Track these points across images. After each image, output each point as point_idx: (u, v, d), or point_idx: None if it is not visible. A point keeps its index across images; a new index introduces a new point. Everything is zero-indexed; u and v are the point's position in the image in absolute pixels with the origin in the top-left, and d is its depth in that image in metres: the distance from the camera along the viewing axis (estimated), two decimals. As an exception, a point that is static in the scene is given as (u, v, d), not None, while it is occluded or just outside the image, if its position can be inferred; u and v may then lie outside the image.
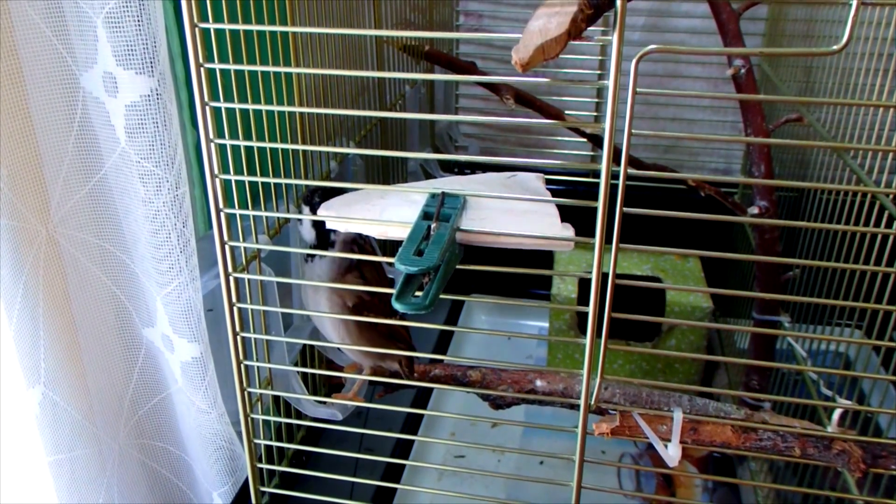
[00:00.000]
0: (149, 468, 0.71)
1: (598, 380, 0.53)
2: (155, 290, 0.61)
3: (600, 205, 0.48)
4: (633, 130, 0.47)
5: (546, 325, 1.38)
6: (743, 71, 0.91)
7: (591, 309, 0.51)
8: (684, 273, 1.22)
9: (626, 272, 1.23)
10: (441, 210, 0.49)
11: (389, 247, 1.01)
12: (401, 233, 0.52)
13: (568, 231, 0.51)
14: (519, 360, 1.32)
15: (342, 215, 0.54)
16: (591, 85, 1.01)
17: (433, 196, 0.51)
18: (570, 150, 1.38)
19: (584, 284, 1.21)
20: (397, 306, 0.45)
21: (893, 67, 0.76)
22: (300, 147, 0.61)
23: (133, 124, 0.55)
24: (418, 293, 0.47)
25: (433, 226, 0.48)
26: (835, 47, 0.42)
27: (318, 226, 0.61)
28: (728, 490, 1.03)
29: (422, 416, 1.12)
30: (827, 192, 0.90)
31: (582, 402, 0.54)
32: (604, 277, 0.51)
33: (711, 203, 0.99)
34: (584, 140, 1.31)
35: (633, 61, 0.45)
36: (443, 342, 1.30)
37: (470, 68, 1.04)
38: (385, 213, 0.53)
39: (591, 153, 1.34)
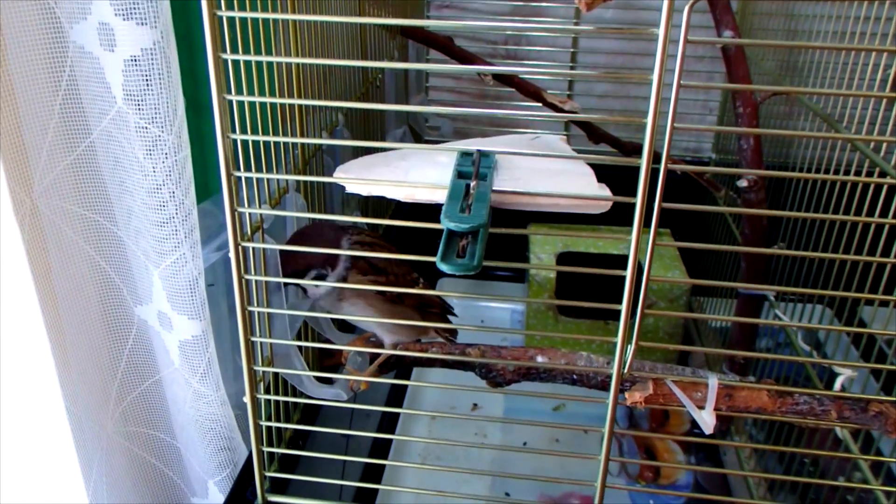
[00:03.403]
0: (138, 458, 0.66)
1: (632, 346, 0.51)
2: (152, 264, 0.57)
3: (644, 156, 0.46)
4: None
5: (519, 307, 1.37)
6: (732, 44, 0.91)
7: (628, 274, 0.49)
8: (660, 253, 1.23)
9: (603, 251, 1.23)
10: (478, 169, 0.47)
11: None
12: (428, 195, 0.49)
13: (605, 191, 0.49)
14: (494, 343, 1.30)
15: (363, 178, 0.51)
16: (601, 32, 0.99)
17: (464, 155, 0.48)
18: (544, 130, 1.36)
19: (562, 263, 1.20)
20: (443, 268, 0.42)
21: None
22: (315, 102, 0.57)
23: (132, 81, 0.51)
24: (458, 257, 0.44)
25: (472, 184, 0.45)
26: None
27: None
28: (712, 467, 1.03)
29: (401, 401, 1.10)
30: (814, 166, 0.91)
31: (615, 369, 0.52)
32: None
33: (685, 183, 0.99)
34: (560, 119, 1.31)
35: (687, 7, 0.43)
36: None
37: (447, 44, 1.01)
38: (410, 174, 0.50)
39: (566, 132, 1.32)
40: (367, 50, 0.97)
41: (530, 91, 0.97)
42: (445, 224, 0.42)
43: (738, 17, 1.19)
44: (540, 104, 0.95)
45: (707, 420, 0.51)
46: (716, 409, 0.52)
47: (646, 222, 0.48)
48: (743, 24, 1.16)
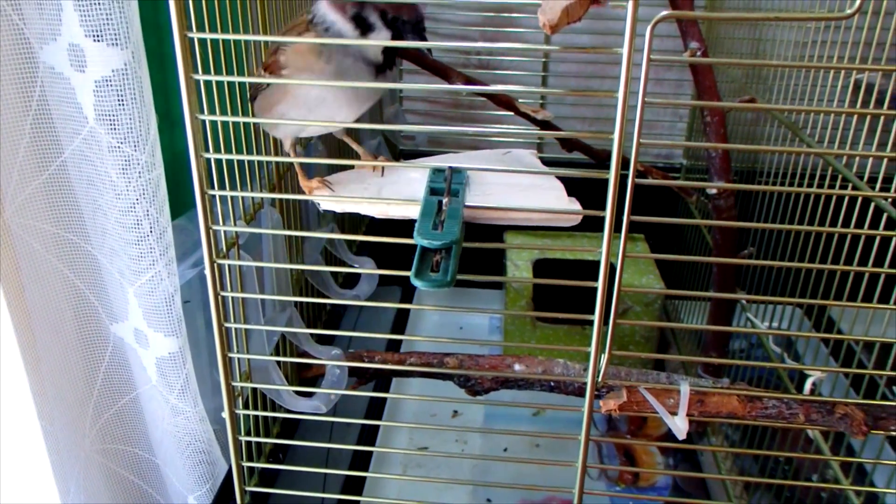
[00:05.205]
0: (116, 475, 0.66)
1: (605, 356, 0.52)
2: (127, 282, 0.57)
3: (612, 177, 0.47)
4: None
5: (497, 315, 1.37)
6: (699, 53, 0.92)
7: (599, 285, 0.50)
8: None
9: (578, 257, 1.24)
10: (450, 185, 0.47)
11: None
12: (402, 211, 0.50)
13: (574, 205, 0.50)
14: (472, 348, 1.30)
15: (337, 195, 0.51)
16: (569, 49, 1.01)
17: (436, 172, 0.49)
18: (516, 140, 1.38)
19: (538, 269, 1.22)
20: (417, 283, 0.43)
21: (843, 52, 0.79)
22: (287, 122, 0.57)
23: (104, 101, 0.51)
24: (432, 272, 0.45)
25: (445, 201, 0.46)
26: (848, 10, 0.43)
27: (389, 50, 0.55)
28: (690, 467, 1.04)
29: (381, 412, 1.10)
30: (780, 170, 0.93)
31: (589, 378, 0.53)
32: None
33: (658, 188, 1.00)
34: (535, 127, 1.31)
35: (649, 28, 0.44)
36: (397, 334, 1.28)
37: (419, 56, 1.02)
38: (384, 191, 0.51)
39: (539, 141, 1.34)
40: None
41: (502, 101, 0.98)
42: (418, 241, 0.43)
43: (705, 25, 1.21)
44: (512, 113, 0.96)
45: (680, 426, 0.52)
46: (688, 414, 0.53)
47: (617, 228, 0.49)
48: (709, 32, 1.17)
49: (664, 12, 0.45)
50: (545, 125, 1.07)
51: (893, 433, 0.52)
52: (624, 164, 0.48)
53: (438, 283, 0.42)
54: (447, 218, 0.44)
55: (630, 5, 0.44)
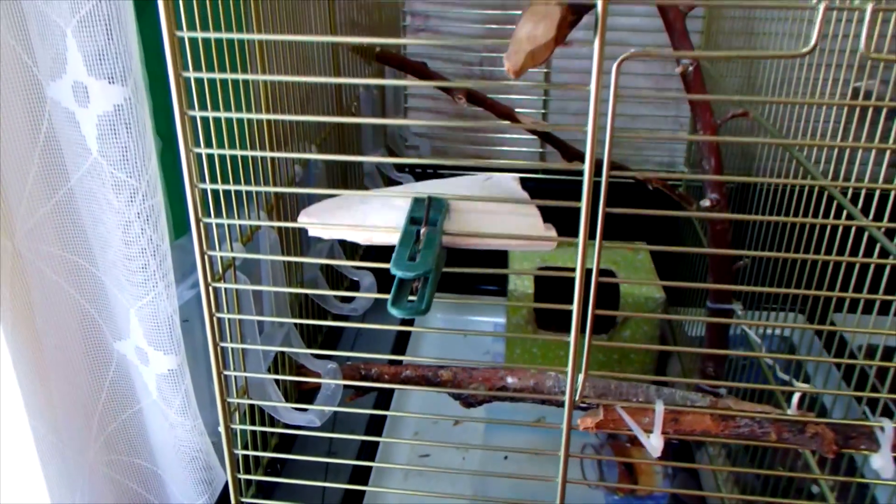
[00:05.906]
0: (120, 485, 0.69)
1: (582, 375, 0.55)
2: (128, 302, 0.60)
3: (584, 202, 0.49)
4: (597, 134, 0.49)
5: (501, 320, 1.40)
6: (691, 69, 0.94)
7: (575, 306, 0.52)
8: (635, 265, 1.26)
9: (580, 266, 1.25)
10: (429, 214, 0.50)
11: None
12: (386, 238, 0.52)
13: (550, 231, 0.52)
14: (476, 356, 1.33)
15: (324, 222, 0.54)
16: (539, 85, 1.03)
17: (417, 201, 0.52)
18: (519, 148, 1.40)
19: (539, 280, 1.24)
20: (394, 312, 0.45)
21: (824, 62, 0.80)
22: (278, 154, 0.60)
23: (106, 134, 0.54)
24: (411, 298, 0.47)
25: (422, 230, 0.48)
26: (804, 49, 0.44)
27: None
28: (688, 476, 1.06)
29: (384, 419, 1.12)
30: (773, 184, 0.94)
31: (567, 397, 0.55)
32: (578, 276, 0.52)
33: (659, 196, 1.02)
34: (534, 137, 1.34)
35: (615, 64, 0.46)
36: (400, 343, 1.31)
37: (421, 69, 1.04)
38: (368, 218, 0.53)
39: (541, 150, 1.36)
40: (341, 77, 1.00)
41: (503, 112, 1.00)
42: (394, 272, 0.45)
43: (704, 37, 1.23)
44: (510, 124, 0.98)
45: (654, 444, 0.54)
46: (663, 432, 0.55)
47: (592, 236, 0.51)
48: (708, 45, 1.19)
49: (630, 51, 0.47)
50: (546, 137, 1.09)
51: (864, 452, 0.54)
52: (624, 183, 0.50)
53: (414, 311, 0.45)
54: (423, 248, 0.47)
55: (596, 45, 0.46)
